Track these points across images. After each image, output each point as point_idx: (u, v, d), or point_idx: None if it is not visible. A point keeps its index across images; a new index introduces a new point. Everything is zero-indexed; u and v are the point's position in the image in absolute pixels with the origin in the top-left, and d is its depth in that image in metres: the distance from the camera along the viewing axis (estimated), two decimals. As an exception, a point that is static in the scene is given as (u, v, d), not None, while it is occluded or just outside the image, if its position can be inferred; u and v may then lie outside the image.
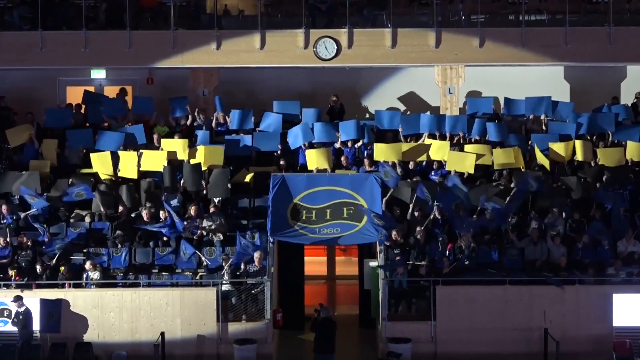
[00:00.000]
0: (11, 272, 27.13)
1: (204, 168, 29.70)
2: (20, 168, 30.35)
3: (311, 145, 30.73)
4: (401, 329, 26.87)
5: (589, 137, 31.00)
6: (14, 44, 31.82)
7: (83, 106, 32.43)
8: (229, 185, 29.44)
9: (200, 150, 30.06)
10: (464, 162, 29.80)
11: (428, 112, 31.85)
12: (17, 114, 32.44)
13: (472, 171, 29.72)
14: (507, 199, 28.30)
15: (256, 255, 27.41)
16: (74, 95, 33.28)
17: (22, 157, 30.87)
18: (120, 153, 30.12)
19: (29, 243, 27.87)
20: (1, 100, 32.69)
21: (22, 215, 28.65)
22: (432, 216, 28.22)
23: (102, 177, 29.93)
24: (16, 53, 31.75)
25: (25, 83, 33.52)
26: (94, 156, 30.05)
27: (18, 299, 25.91)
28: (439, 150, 30.22)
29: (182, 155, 29.97)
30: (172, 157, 29.96)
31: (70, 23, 32.28)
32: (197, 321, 26.81)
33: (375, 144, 30.31)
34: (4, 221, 28.45)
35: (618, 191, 29.15)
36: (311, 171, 29.84)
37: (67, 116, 31.91)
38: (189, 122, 31.83)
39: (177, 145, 30.18)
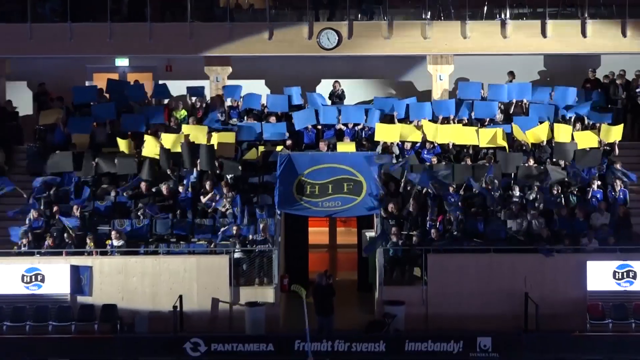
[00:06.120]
0: (49, 240, 27.11)
1: (216, 149, 29.61)
2: (52, 148, 30.39)
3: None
4: (396, 292, 26.91)
5: (567, 117, 31.00)
6: (45, 34, 31.84)
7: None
8: (216, 160, 29.43)
9: (215, 135, 30.02)
10: (454, 133, 29.96)
11: (415, 98, 31.91)
12: (54, 99, 32.39)
13: (460, 142, 29.88)
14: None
15: (261, 225, 27.42)
16: (100, 81, 33.20)
17: (53, 138, 30.91)
18: (145, 137, 30.07)
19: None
20: (41, 87, 32.73)
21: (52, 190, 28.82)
22: (423, 190, 28.28)
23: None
24: (47, 43, 31.78)
25: (56, 70, 33.31)
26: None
27: None
28: (431, 130, 30.15)
29: (201, 139, 29.81)
30: (188, 139, 29.88)
31: (96, 15, 32.23)
32: (212, 286, 26.83)
33: (376, 124, 30.25)
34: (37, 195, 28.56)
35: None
36: (317, 150, 29.87)
37: (92, 92, 31.92)
38: (204, 105, 31.86)
39: (196, 131, 30.09)
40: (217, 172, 29.44)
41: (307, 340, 22.08)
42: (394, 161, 29.09)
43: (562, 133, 30.10)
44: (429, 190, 28.13)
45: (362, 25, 32.22)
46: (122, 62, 34.00)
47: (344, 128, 30.85)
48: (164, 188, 28.69)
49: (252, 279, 27.16)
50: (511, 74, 32.37)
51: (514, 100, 31.49)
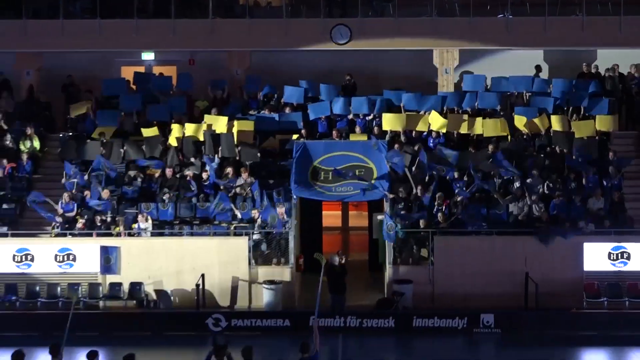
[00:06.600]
0: (80, 223, 27.59)
1: (236, 138, 29.99)
2: (83, 137, 30.80)
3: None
4: (404, 272, 27.22)
5: (565, 108, 31.21)
6: (76, 30, 32.15)
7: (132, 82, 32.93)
8: (236, 148, 29.79)
9: (235, 124, 30.34)
10: (459, 123, 30.31)
11: (422, 90, 32.03)
12: (83, 92, 32.71)
13: (465, 131, 30.20)
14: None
15: (280, 210, 27.78)
16: (128, 74, 33.52)
17: (84, 127, 31.33)
18: (172, 126, 30.44)
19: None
20: (68, 79, 33.17)
21: (85, 176, 29.12)
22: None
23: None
24: (78, 38, 32.08)
25: (86, 64, 33.62)
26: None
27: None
28: (436, 121, 30.52)
29: (222, 128, 30.16)
30: (210, 128, 30.30)
31: (124, 12, 32.62)
32: (232, 265, 27.15)
33: (383, 114, 30.52)
34: (71, 180, 28.92)
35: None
36: (331, 138, 30.17)
37: (121, 85, 32.29)
38: (225, 95, 32.29)
39: (218, 120, 30.43)
40: (237, 158, 29.88)
41: (317, 297, 21.81)
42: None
43: (561, 123, 30.42)
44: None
45: (372, 21, 32.43)
46: (148, 56, 34.28)
47: (355, 118, 31.27)
48: (187, 173, 29.12)
49: (270, 259, 27.47)
50: (538, 67, 32.74)
51: (515, 92, 31.90)
